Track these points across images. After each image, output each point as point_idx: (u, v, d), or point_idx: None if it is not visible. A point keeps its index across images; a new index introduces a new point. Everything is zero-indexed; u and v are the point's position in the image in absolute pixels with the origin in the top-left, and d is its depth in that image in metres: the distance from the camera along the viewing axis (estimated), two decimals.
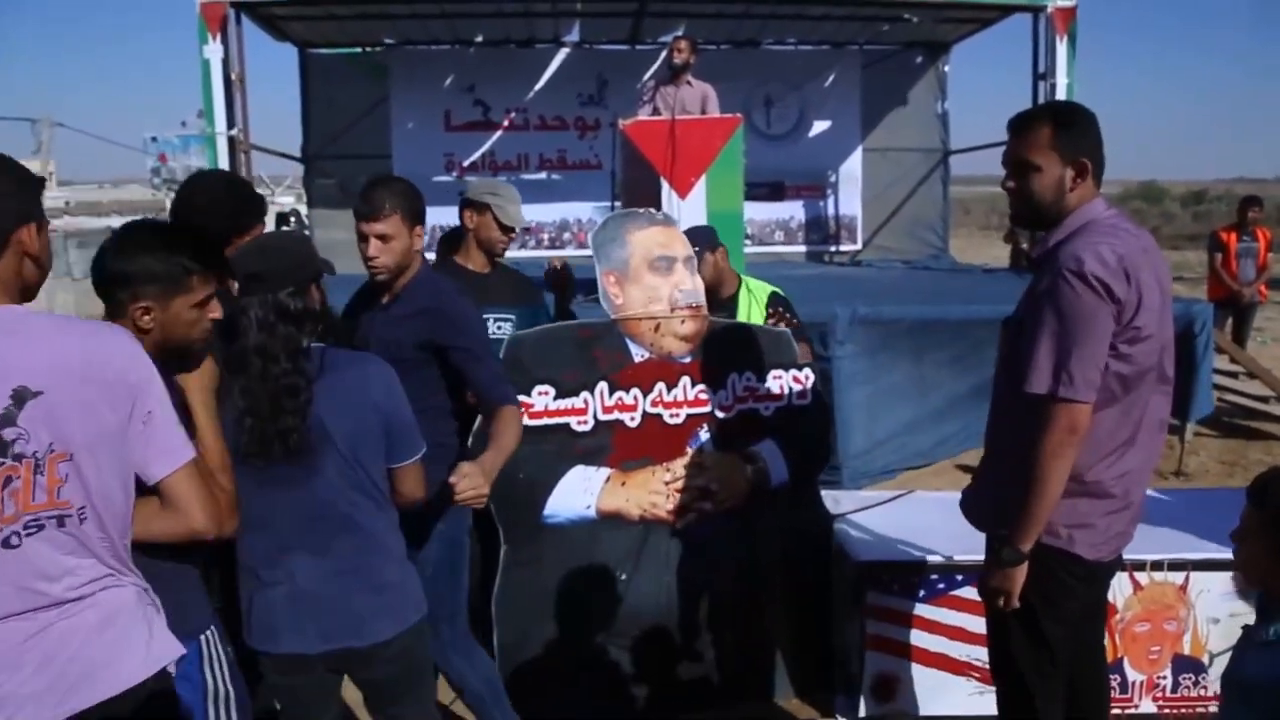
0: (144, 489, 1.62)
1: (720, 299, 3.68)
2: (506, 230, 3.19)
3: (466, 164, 9.62)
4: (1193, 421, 6.15)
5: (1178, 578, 3.09)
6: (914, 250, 10.25)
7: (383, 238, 2.50)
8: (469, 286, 2.88)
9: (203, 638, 1.83)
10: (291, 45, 9.70)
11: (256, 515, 1.91)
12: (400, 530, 2.16)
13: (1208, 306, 6.11)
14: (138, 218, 1.82)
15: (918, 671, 3.12)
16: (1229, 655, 1.84)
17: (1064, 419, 2.00)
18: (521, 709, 2.79)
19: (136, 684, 1.56)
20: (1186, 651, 3.14)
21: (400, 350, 2.47)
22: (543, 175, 9.86)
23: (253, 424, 1.91)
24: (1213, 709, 3.13)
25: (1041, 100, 8.26)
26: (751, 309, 3.81)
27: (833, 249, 10.31)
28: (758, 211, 9.72)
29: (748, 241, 8.11)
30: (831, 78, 10.22)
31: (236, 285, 2.03)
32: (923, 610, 3.09)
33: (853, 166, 10.28)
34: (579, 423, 3.10)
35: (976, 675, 3.08)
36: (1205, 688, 3.13)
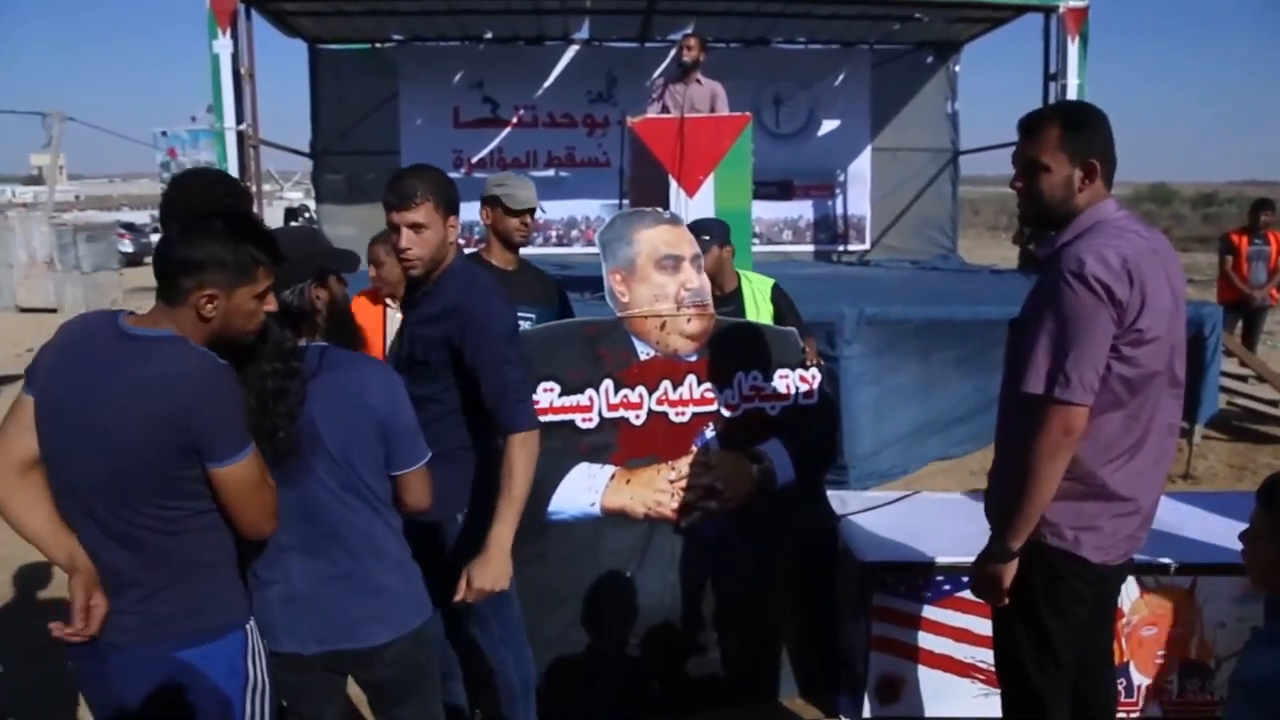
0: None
1: (721, 293, 3.71)
2: (516, 214, 3.18)
3: (475, 160, 9.63)
4: (1200, 424, 6.12)
5: (1185, 582, 3.07)
6: (922, 250, 10.22)
7: (415, 227, 2.37)
8: None
9: (247, 628, 1.86)
10: (301, 41, 9.72)
11: None
12: (403, 534, 2.12)
13: (1217, 309, 6.08)
14: (199, 212, 1.80)
15: (923, 673, 3.11)
16: (1236, 659, 1.83)
17: (1059, 420, 1.99)
18: None
19: None
20: (1193, 656, 3.12)
21: (428, 350, 2.40)
22: (551, 172, 9.86)
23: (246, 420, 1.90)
24: (1219, 713, 3.11)
25: (1052, 101, 8.22)
26: (757, 302, 3.85)
27: (841, 248, 10.30)
28: (766, 210, 9.73)
29: (756, 240, 8.11)
30: (841, 77, 10.20)
31: None
32: (928, 611, 3.08)
33: (862, 166, 10.27)
34: (584, 420, 3.09)
35: (981, 677, 3.07)
36: (1211, 692, 3.12)
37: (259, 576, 2.00)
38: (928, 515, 3.45)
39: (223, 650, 1.81)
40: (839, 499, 3.54)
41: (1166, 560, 3.04)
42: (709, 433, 3.19)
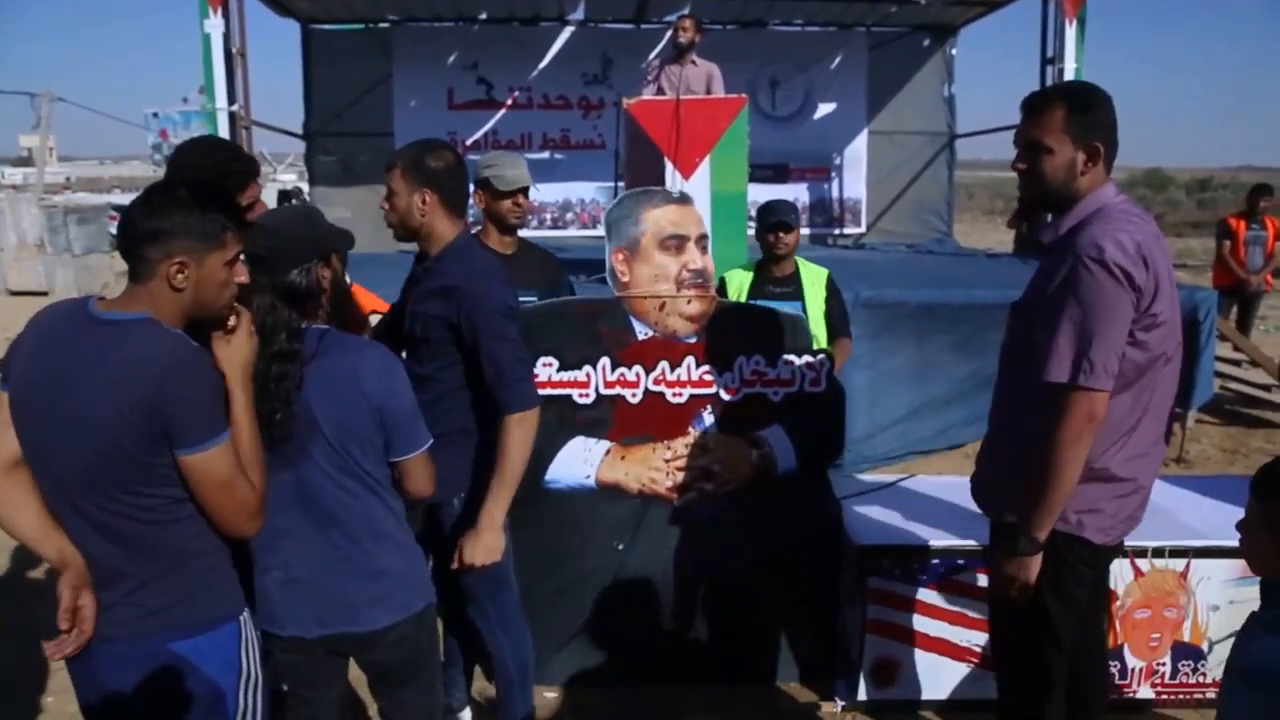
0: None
1: (783, 275, 4.00)
2: (507, 195, 3.11)
3: (469, 142, 9.56)
4: (1194, 409, 6.14)
5: (1179, 565, 3.08)
6: (918, 234, 10.21)
7: (389, 193, 2.45)
8: None
9: (241, 619, 1.83)
10: (294, 20, 9.63)
11: None
12: (404, 517, 2.12)
13: (1211, 294, 6.10)
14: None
15: (918, 656, 3.12)
16: (1228, 642, 1.83)
17: (1083, 407, 1.98)
18: None
19: None
20: (1186, 639, 3.14)
21: (427, 327, 2.42)
22: (546, 155, 9.80)
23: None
24: (1211, 695, 3.13)
25: (1050, 84, 8.20)
26: (814, 287, 4.01)
27: (837, 232, 10.27)
28: (762, 193, 9.54)
29: (751, 223, 8.07)
30: (838, 60, 10.14)
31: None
32: (923, 595, 3.09)
33: (858, 149, 10.22)
34: (581, 395, 3.13)
35: (976, 660, 3.08)
36: (1204, 674, 3.14)
37: (260, 562, 1.98)
38: (923, 498, 3.45)
39: (216, 642, 1.78)
40: (834, 483, 3.54)
41: (1160, 543, 3.05)
42: (707, 415, 3.18)
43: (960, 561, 3.05)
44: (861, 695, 3.15)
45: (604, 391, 3.14)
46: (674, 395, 3.16)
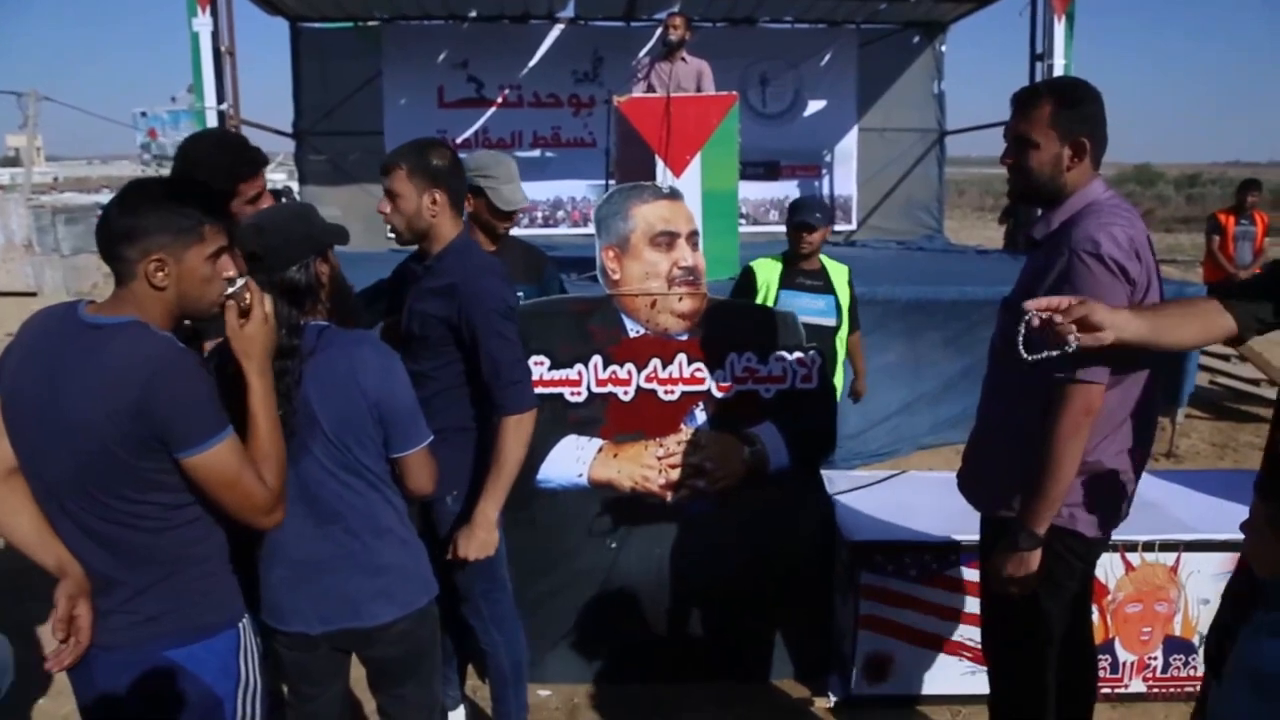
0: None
1: (812, 270, 4.11)
2: (504, 216, 2.99)
3: (460, 141, 9.55)
4: (1183, 403, 6.17)
5: (1169, 559, 3.09)
6: (908, 231, 10.24)
7: (390, 195, 2.41)
8: None
9: (240, 626, 1.82)
10: (282, 19, 9.59)
11: None
12: (407, 513, 2.12)
13: (1201, 289, 6.12)
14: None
15: (911, 651, 3.13)
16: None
17: (1081, 400, 1.98)
18: None
19: None
20: (1177, 632, 3.15)
21: (425, 325, 2.41)
22: (536, 153, 9.80)
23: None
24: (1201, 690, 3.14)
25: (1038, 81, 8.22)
26: (841, 283, 4.14)
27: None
28: (752, 191, 9.70)
29: (742, 221, 8.07)
30: (828, 57, 10.16)
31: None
32: (916, 590, 3.09)
33: (848, 146, 10.25)
34: (572, 393, 3.13)
35: (969, 655, 3.09)
36: (1195, 668, 3.15)
37: (263, 558, 1.99)
38: (915, 494, 3.46)
39: (213, 649, 1.76)
40: (827, 479, 3.55)
41: (1151, 537, 3.06)
42: (699, 412, 3.18)
43: (952, 557, 3.06)
44: (854, 690, 3.16)
45: (596, 390, 3.14)
46: (666, 393, 3.16)
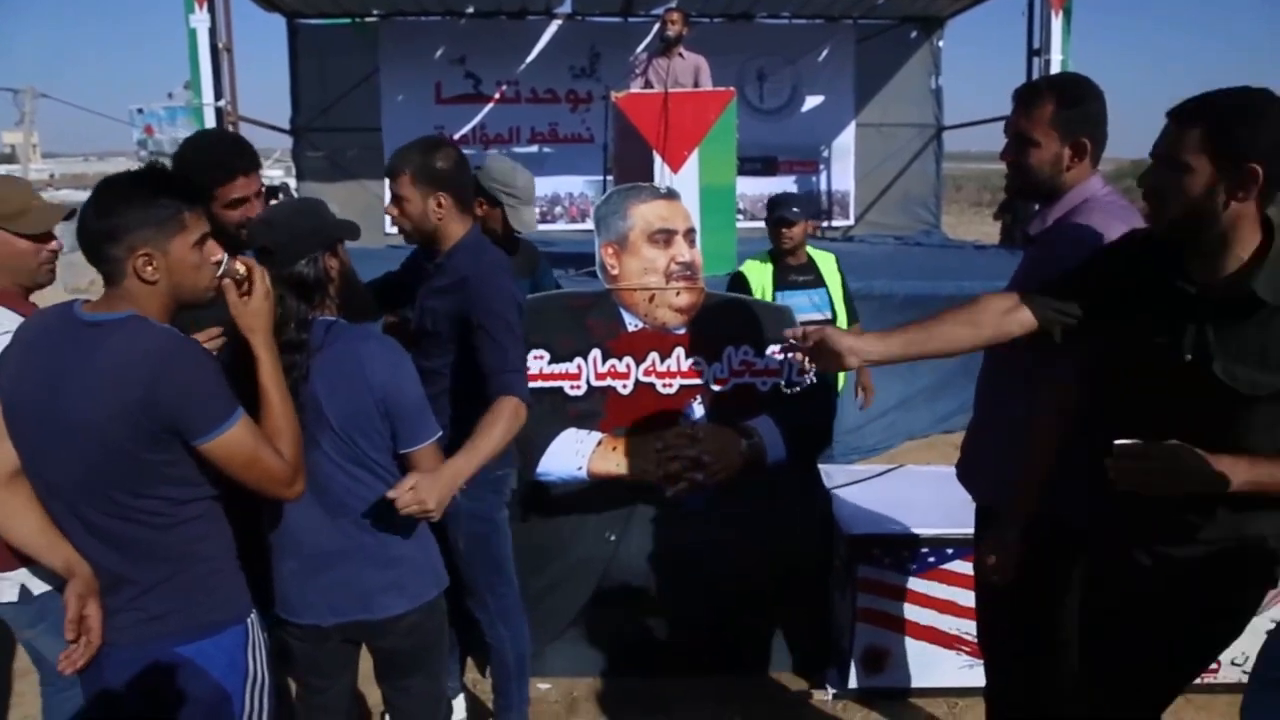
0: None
1: (800, 263, 4.11)
2: (513, 233, 3.10)
3: (457, 136, 9.54)
4: None
5: None
6: (906, 226, 10.24)
7: (396, 199, 2.44)
8: None
9: (248, 621, 1.82)
10: (279, 15, 9.58)
11: None
12: None
13: None
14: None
15: (908, 644, 3.15)
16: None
17: (1049, 397, 2.00)
18: None
19: None
20: None
21: (437, 322, 2.42)
22: (534, 148, 9.80)
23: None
24: (1209, 681, 3.10)
25: (1035, 77, 8.23)
26: (831, 272, 4.13)
27: (825, 224, 10.29)
28: (750, 186, 9.69)
29: (740, 216, 8.08)
30: (825, 52, 10.16)
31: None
32: (913, 584, 3.11)
33: (846, 142, 10.25)
34: (572, 387, 3.15)
35: (966, 649, 3.11)
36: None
37: (274, 552, 2.00)
38: (913, 488, 3.47)
39: (221, 645, 1.77)
40: (825, 473, 3.56)
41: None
42: (697, 405, 3.20)
43: (949, 550, 3.07)
44: (852, 683, 3.17)
45: (595, 383, 3.16)
46: (664, 386, 3.18)
